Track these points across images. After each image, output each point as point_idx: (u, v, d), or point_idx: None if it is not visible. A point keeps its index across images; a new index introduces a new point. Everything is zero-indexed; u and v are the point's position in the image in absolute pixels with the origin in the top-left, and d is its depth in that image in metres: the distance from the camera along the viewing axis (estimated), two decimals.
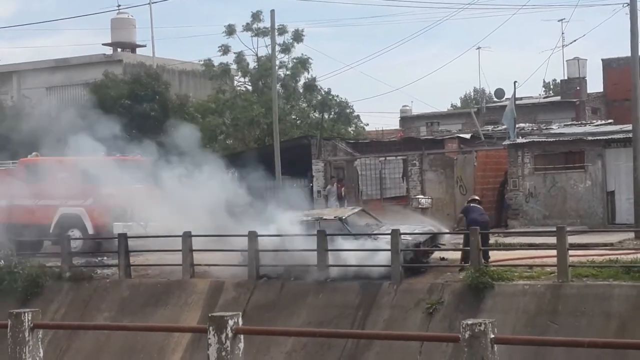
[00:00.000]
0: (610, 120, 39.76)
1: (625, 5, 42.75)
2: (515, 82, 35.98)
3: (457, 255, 22.07)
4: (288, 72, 42.77)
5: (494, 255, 21.41)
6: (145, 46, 48.30)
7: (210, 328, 9.17)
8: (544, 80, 69.14)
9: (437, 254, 22.35)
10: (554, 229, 19.98)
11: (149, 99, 36.75)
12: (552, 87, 68.06)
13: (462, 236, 22.07)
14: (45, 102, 44.13)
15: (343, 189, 32.44)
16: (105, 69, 40.36)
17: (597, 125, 36.18)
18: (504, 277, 19.45)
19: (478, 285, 19.16)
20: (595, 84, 55.16)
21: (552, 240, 19.64)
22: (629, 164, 28.46)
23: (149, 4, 44.75)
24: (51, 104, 43.57)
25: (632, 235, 24.85)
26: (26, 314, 10.09)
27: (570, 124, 38.16)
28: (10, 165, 29.54)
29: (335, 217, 22.57)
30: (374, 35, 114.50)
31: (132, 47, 48.20)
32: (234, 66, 43.27)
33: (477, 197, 23.34)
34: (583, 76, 49.71)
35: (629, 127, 31.06)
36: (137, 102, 36.40)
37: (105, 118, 28.41)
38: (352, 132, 44.75)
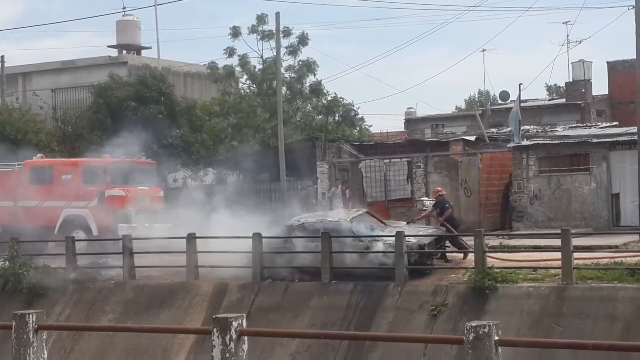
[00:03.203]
0: (615, 123, 39.72)
1: (630, 8, 42.92)
2: (520, 84, 36.16)
3: (462, 257, 22.08)
4: (294, 75, 42.74)
5: (498, 258, 21.34)
6: (150, 48, 48.36)
7: (215, 330, 9.17)
8: (546, 84, 69.21)
9: (441, 256, 22.37)
10: (559, 232, 19.97)
11: (155, 101, 36.75)
12: (555, 90, 68.01)
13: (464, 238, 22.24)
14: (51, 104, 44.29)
15: (348, 191, 32.43)
16: (110, 71, 40.41)
17: (603, 127, 36.15)
18: (508, 279, 19.44)
19: (482, 288, 19.15)
20: (600, 87, 55.19)
21: (557, 242, 19.62)
22: (634, 166, 28.42)
23: (154, 6, 44.87)
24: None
25: (637, 237, 24.84)
26: (31, 316, 10.09)
27: (576, 127, 38.13)
28: (16, 167, 29.59)
29: (339, 219, 22.56)
30: (379, 38, 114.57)
31: (138, 50, 48.22)
32: (238, 69, 43.23)
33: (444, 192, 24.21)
34: (588, 79, 49.69)
35: (634, 129, 31.00)
36: (143, 104, 36.40)
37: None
38: (356, 134, 44.72)
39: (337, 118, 43.16)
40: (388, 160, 33.22)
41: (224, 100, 42.12)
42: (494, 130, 40.70)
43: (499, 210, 32.10)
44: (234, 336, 9.08)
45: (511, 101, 47.39)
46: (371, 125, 48.73)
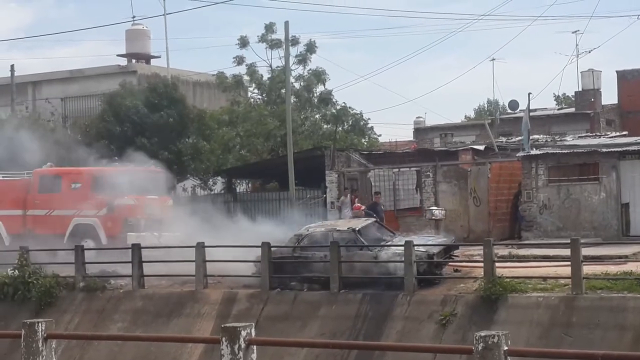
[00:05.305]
0: (624, 132, 39.62)
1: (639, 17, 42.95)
2: (529, 93, 36.10)
3: (471, 267, 22.03)
4: (302, 84, 42.79)
5: (506, 266, 21.25)
6: (159, 57, 48.49)
7: (223, 339, 9.16)
8: (554, 94, 69.20)
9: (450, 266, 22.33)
10: (568, 241, 19.91)
11: (165, 107, 36.80)
12: (563, 99, 67.97)
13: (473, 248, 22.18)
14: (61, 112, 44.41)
15: (356, 199, 32.01)
16: (122, 79, 40.52)
17: (612, 136, 36.06)
18: (517, 288, 19.39)
19: (491, 297, 19.11)
20: (609, 96, 55.03)
21: (566, 252, 19.57)
22: None
23: (163, 15, 44.97)
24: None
25: None
26: (40, 324, 10.11)
27: (585, 136, 38.05)
28: (25, 175, 29.66)
29: (348, 228, 22.55)
30: (388, 47, 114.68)
31: (147, 58, 48.36)
32: (246, 78, 43.28)
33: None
34: (597, 88, 49.64)
35: None
36: (153, 111, 36.45)
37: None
38: (365, 143, 44.69)
39: (345, 127, 43.19)
40: (397, 169, 33.17)
41: (232, 110, 42.19)
42: (503, 139, 40.63)
43: (508, 220, 32.02)
44: (243, 345, 9.08)
45: (520, 110, 47.36)
46: (380, 134, 48.71)
